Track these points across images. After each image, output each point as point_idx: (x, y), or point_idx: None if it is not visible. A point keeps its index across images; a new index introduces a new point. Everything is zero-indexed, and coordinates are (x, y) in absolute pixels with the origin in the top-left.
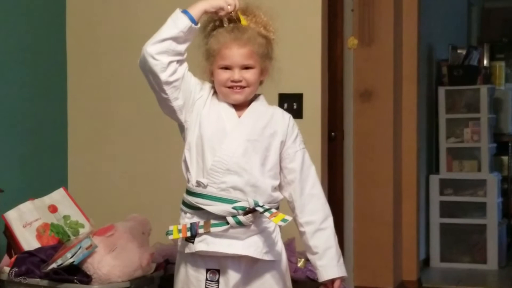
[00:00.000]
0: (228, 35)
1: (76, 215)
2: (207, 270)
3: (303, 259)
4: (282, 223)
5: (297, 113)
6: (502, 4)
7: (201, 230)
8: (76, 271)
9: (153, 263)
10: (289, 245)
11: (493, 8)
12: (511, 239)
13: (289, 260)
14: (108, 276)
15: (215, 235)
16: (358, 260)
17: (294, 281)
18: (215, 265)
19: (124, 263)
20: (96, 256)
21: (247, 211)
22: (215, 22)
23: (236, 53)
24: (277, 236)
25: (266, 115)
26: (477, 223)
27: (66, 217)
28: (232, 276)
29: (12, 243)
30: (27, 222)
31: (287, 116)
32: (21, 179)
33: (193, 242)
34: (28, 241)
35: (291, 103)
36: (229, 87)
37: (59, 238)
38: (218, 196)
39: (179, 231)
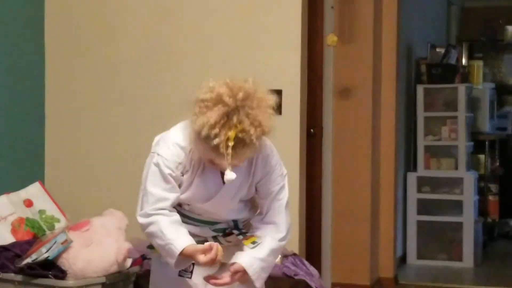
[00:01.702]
0: (224, 150)
1: (51, 210)
2: None
3: (280, 256)
4: (251, 245)
5: (276, 110)
6: (481, 4)
7: None
8: (51, 266)
9: (130, 258)
10: None
11: (472, 7)
12: (487, 237)
13: None
14: (83, 271)
15: None
16: (336, 256)
17: (271, 277)
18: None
19: (100, 258)
20: (71, 251)
21: (226, 233)
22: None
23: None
24: None
25: (249, 163)
26: (454, 221)
27: (41, 212)
28: (205, 269)
29: None
30: (2, 216)
31: (265, 155)
32: None
33: None
34: (3, 236)
35: None
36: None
37: (34, 232)
38: (198, 218)
39: None
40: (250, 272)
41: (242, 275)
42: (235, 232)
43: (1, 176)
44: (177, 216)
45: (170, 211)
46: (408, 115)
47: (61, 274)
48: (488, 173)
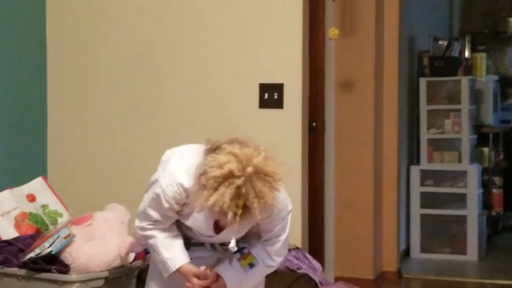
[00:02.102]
0: (232, 219)
1: (54, 204)
2: None
3: None
4: (248, 268)
5: (277, 103)
6: None
7: None
8: (54, 261)
9: (132, 253)
10: None
11: None
12: (491, 230)
13: None
14: (87, 265)
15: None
16: (339, 251)
17: (274, 271)
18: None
19: (103, 253)
20: (74, 245)
21: (222, 243)
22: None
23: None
24: None
25: None
26: (458, 214)
27: (44, 206)
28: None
29: None
30: (5, 211)
31: (269, 209)
32: None
33: None
34: (6, 230)
35: (272, 93)
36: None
37: (37, 227)
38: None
39: None
40: (229, 285)
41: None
42: (232, 249)
43: (4, 171)
44: (174, 231)
45: (167, 226)
46: (411, 108)
47: (64, 268)
48: (492, 166)
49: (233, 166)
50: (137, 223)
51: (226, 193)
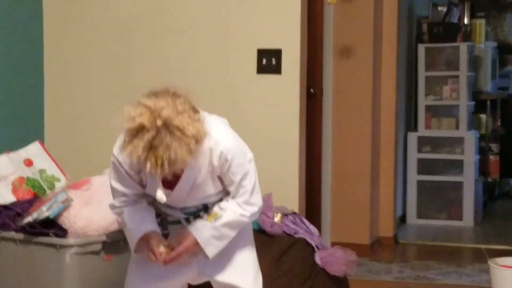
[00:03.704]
0: (153, 169)
1: (52, 169)
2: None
3: (279, 214)
4: (214, 221)
5: (275, 69)
6: None
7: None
8: (52, 225)
9: None
10: (266, 200)
11: None
12: (487, 197)
13: (266, 215)
14: (84, 229)
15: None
16: (335, 216)
17: (271, 236)
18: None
19: (100, 217)
20: (72, 210)
21: (197, 216)
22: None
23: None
24: None
25: (204, 162)
26: (454, 181)
27: (41, 171)
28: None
29: None
30: (2, 175)
31: (218, 153)
32: None
33: None
34: (3, 195)
35: (270, 59)
36: None
37: (34, 192)
38: (167, 204)
39: None
40: (199, 238)
41: (192, 244)
42: (201, 215)
43: (1, 136)
44: (142, 204)
45: (135, 200)
46: (409, 75)
47: (62, 232)
48: (489, 133)
49: (143, 119)
50: (110, 202)
51: (138, 145)
